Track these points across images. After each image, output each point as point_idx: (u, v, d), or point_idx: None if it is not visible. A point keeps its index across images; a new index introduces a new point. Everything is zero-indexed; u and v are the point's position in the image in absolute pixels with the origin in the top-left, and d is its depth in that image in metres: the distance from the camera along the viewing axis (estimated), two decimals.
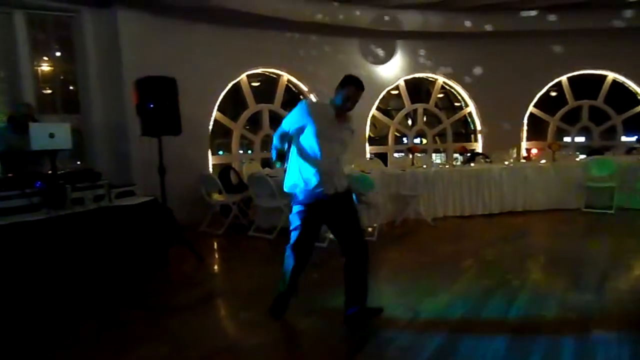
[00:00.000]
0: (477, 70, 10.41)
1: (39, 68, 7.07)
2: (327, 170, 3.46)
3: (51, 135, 4.44)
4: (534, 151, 10.94)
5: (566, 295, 4.14)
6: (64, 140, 4.56)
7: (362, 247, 3.59)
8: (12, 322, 3.81)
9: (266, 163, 8.91)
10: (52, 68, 7.27)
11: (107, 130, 7.17)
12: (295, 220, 3.59)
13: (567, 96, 10.81)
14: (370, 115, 10.29)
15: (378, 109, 10.55)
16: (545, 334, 3.37)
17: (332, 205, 3.52)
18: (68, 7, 6.79)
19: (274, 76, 9.47)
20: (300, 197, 3.54)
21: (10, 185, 4.28)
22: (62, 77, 7.39)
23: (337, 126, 3.50)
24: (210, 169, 8.36)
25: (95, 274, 4.55)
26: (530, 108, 10.82)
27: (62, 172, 4.71)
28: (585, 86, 10.71)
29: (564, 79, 10.69)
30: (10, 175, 4.58)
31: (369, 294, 3.63)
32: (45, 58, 7.20)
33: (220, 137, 9.48)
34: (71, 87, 7.39)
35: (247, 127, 9.31)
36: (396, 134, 10.94)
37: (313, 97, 9.56)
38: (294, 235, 3.60)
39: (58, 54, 7.33)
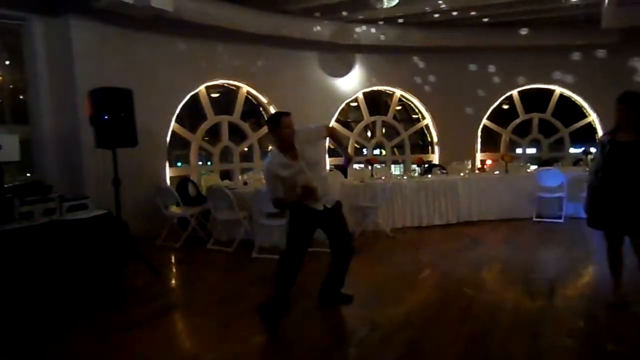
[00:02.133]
0: (433, 84, 10.69)
1: None
2: (312, 193, 3.77)
3: None
4: (489, 162, 11.31)
5: (519, 302, 4.28)
6: (11, 151, 4.39)
7: (349, 249, 4.13)
8: None
9: (225, 175, 8.83)
10: (0, 77, 6.99)
11: (59, 142, 6.93)
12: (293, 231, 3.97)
13: (518, 109, 11.25)
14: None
15: (337, 121, 10.66)
16: (499, 342, 3.47)
17: (324, 217, 3.93)
18: (16, 14, 6.56)
19: (234, 88, 9.43)
20: (298, 212, 3.93)
21: None
22: (11, 87, 7.11)
23: (295, 161, 3.80)
24: (168, 181, 8.20)
25: (46, 289, 4.38)
26: (484, 120, 11.18)
27: (10, 185, 4.53)
28: (535, 100, 11.18)
29: (514, 92, 11.13)
30: None
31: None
32: None
33: (179, 149, 9.34)
34: (21, 97, 7.12)
35: (206, 138, 9.21)
36: (356, 145, 11.06)
37: (272, 109, 9.58)
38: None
39: (7, 62, 7.05)
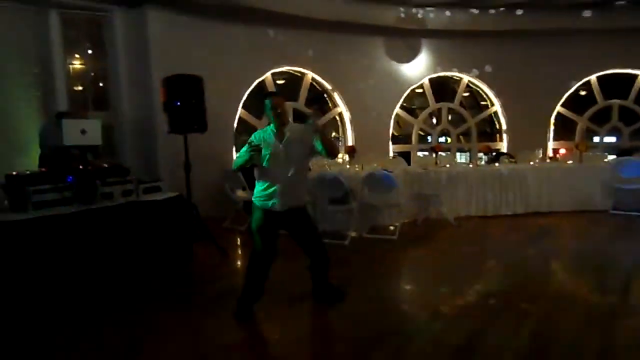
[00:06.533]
0: (504, 69, 10.26)
1: (71, 66, 7.27)
2: (280, 189, 3.67)
3: (83, 132, 4.60)
4: (562, 151, 10.76)
5: (590, 297, 4.10)
6: (94, 136, 4.71)
7: (320, 259, 3.96)
8: (43, 310, 3.97)
9: None
10: (83, 66, 7.48)
11: (136, 127, 7.35)
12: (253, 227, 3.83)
13: (597, 96, 10.59)
14: (394, 113, 10.27)
15: (402, 107, 10.52)
16: (568, 335, 3.35)
17: (286, 219, 3.76)
18: (101, 6, 6.98)
19: (299, 74, 9.53)
20: (254, 208, 3.81)
21: (43, 179, 4.44)
22: (92, 75, 7.60)
23: (281, 144, 3.68)
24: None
25: (122, 266, 4.70)
26: (558, 107, 10.63)
27: (93, 167, 4.87)
28: (615, 85, 10.47)
29: (593, 78, 10.48)
30: (43, 170, 4.75)
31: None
32: (77, 56, 7.40)
33: (245, 135, 9.59)
34: (101, 85, 7.59)
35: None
36: (420, 132, 10.89)
37: (336, 96, 9.64)
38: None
39: (89, 52, 7.53)
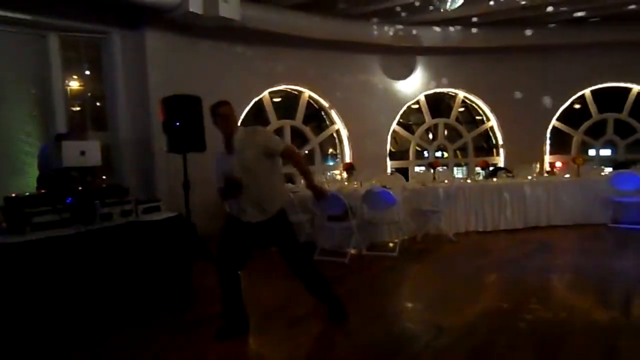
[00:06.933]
0: (498, 84, 10.37)
1: (70, 87, 7.31)
2: (241, 200, 3.59)
3: (82, 153, 4.61)
4: (558, 164, 10.81)
5: (592, 313, 4.08)
6: (94, 157, 4.72)
7: (305, 274, 3.85)
8: (38, 334, 3.92)
9: (289, 178, 8.99)
10: (82, 87, 7.52)
11: (133, 147, 7.35)
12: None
13: (591, 109, 10.69)
14: (391, 130, 10.33)
15: (399, 123, 10.58)
16: (571, 352, 3.33)
17: (255, 231, 3.65)
18: (99, 28, 7.04)
19: (296, 92, 9.60)
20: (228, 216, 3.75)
21: (42, 201, 4.43)
22: (91, 95, 7.63)
23: (230, 155, 3.62)
24: None
25: (121, 287, 4.66)
26: (553, 122, 10.72)
27: (92, 188, 4.86)
28: (610, 99, 10.57)
29: (587, 92, 10.59)
30: (43, 191, 4.74)
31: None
32: (75, 77, 7.45)
33: None
34: (97, 103, 7.61)
35: None
36: (417, 148, 10.94)
37: (333, 113, 9.69)
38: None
39: (88, 73, 7.58)
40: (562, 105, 10.61)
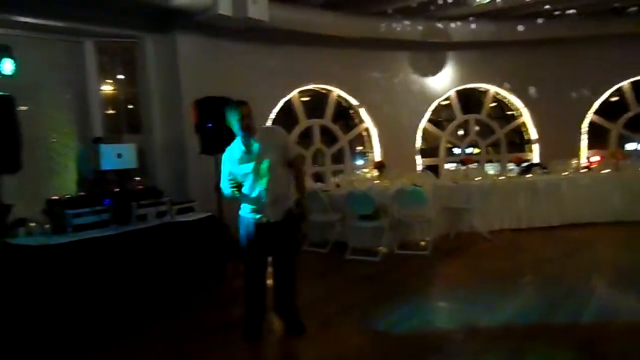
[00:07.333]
0: (531, 79, 10.12)
1: (105, 91, 7.51)
2: (258, 200, 3.59)
3: (119, 156, 4.73)
4: (593, 159, 10.47)
5: (635, 312, 3.95)
6: (130, 160, 4.84)
7: (284, 274, 3.90)
8: (78, 331, 4.05)
9: (318, 177, 9.02)
10: (116, 91, 7.71)
11: (167, 149, 7.49)
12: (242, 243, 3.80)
13: (630, 102, 10.33)
14: (421, 127, 10.23)
15: (429, 120, 10.46)
16: (614, 355, 3.23)
17: (267, 233, 3.66)
18: (133, 33, 7.21)
19: (324, 91, 9.61)
20: (242, 222, 3.76)
21: (82, 203, 4.57)
22: (126, 99, 7.82)
23: (251, 156, 3.59)
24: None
25: (156, 287, 4.77)
26: (590, 115, 10.40)
27: (129, 189, 5.00)
28: None
29: (625, 84, 10.23)
30: (82, 193, 4.89)
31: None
32: (110, 81, 7.64)
33: None
34: (130, 106, 7.79)
35: (299, 142, 9.46)
36: (448, 145, 10.79)
37: (362, 111, 9.66)
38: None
39: (122, 77, 7.76)
40: (598, 98, 10.29)
